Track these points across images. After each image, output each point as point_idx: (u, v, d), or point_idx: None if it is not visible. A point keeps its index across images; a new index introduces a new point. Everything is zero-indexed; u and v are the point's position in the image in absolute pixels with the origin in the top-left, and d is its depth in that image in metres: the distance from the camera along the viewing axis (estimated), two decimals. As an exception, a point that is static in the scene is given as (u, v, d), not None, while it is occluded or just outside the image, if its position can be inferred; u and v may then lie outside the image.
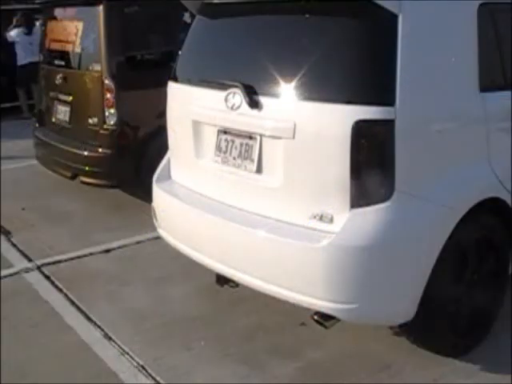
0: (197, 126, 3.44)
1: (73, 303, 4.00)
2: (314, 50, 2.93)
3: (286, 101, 2.99)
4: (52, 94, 6.11)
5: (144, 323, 3.73)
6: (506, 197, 3.20)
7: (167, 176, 3.79)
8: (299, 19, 3.05)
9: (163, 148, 3.89)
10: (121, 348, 3.48)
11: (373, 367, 3.22)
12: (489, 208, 3.12)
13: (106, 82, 5.38)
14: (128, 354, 3.42)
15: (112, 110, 5.37)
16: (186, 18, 5.31)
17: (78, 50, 5.77)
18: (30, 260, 4.70)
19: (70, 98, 5.82)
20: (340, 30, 2.90)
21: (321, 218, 2.89)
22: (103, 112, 5.41)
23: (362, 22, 2.86)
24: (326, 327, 3.00)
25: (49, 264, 4.60)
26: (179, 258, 3.66)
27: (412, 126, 2.81)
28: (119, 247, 4.86)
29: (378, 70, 2.81)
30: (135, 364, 3.33)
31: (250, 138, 3.14)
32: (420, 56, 2.85)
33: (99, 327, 3.70)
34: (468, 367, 3.18)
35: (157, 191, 3.76)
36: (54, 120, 6.10)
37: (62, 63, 6.02)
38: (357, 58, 2.84)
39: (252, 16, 3.30)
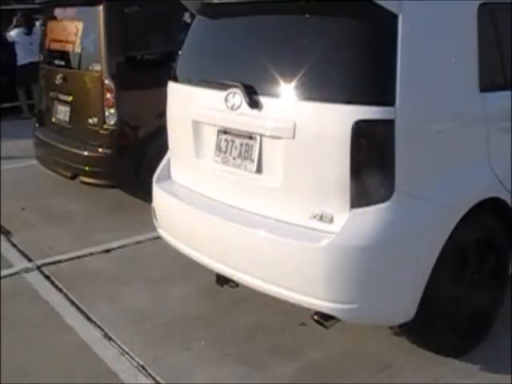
0: (197, 126, 3.44)
1: (73, 303, 4.00)
2: (314, 50, 2.93)
3: (285, 101, 2.99)
4: (52, 94, 6.11)
5: (144, 323, 3.73)
6: (506, 197, 3.20)
7: (167, 176, 3.78)
8: (299, 19, 3.05)
9: (163, 148, 3.89)
10: (121, 348, 3.48)
11: (373, 367, 3.22)
12: (489, 208, 3.12)
13: (106, 82, 5.38)
14: (128, 353, 3.42)
15: (112, 110, 5.37)
16: (186, 18, 5.31)
17: (77, 49, 5.77)
18: (30, 260, 4.70)
19: (70, 97, 5.82)
20: (340, 30, 2.90)
21: (321, 218, 2.89)
22: (103, 112, 5.41)
23: (362, 22, 2.86)
24: (326, 327, 3.00)
25: (49, 264, 4.60)
26: (179, 257, 3.66)
27: (412, 125, 2.81)
28: (119, 247, 4.86)
29: (377, 70, 2.81)
30: (135, 364, 3.33)
31: (250, 138, 3.14)
32: (420, 56, 2.85)
33: (99, 327, 3.70)
34: (468, 367, 3.18)
35: (157, 191, 3.75)
36: (54, 120, 6.10)
37: (62, 63, 6.02)
38: (357, 58, 2.84)
39: (252, 16, 3.30)
